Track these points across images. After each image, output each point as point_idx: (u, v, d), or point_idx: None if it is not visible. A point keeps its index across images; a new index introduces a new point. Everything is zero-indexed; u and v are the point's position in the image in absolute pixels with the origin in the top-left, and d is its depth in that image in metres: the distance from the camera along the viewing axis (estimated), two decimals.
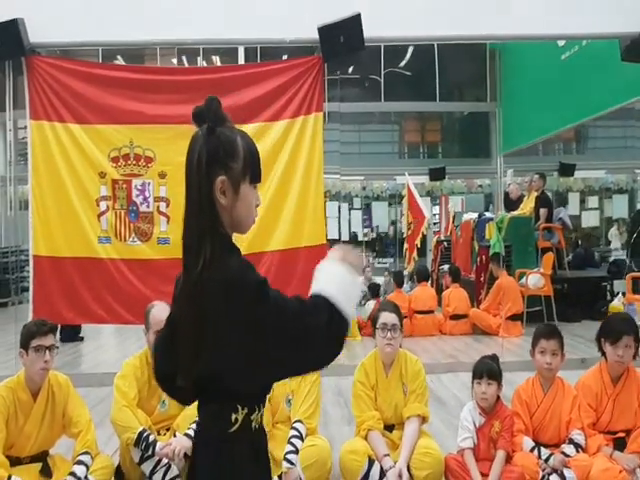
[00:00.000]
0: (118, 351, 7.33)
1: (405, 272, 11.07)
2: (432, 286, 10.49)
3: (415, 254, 11.29)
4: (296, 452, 3.08)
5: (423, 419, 3.29)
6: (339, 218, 13.54)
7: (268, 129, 5.71)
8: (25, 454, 2.99)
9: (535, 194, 9.04)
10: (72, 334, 7.49)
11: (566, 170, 14.49)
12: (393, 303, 3.60)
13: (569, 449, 3.16)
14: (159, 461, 3.03)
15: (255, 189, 1.52)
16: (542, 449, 3.19)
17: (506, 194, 10.60)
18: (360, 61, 14.72)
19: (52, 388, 3.07)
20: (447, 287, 8.38)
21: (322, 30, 5.57)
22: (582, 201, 15.20)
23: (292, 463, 3.04)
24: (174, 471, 3.06)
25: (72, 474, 2.92)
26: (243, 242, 5.59)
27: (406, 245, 11.72)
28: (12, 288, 9.81)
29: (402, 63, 15.71)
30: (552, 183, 14.55)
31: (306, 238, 5.58)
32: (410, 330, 7.84)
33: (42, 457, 3.05)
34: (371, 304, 8.01)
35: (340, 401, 5.12)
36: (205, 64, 15.84)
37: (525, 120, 13.21)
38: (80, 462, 2.98)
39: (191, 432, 3.08)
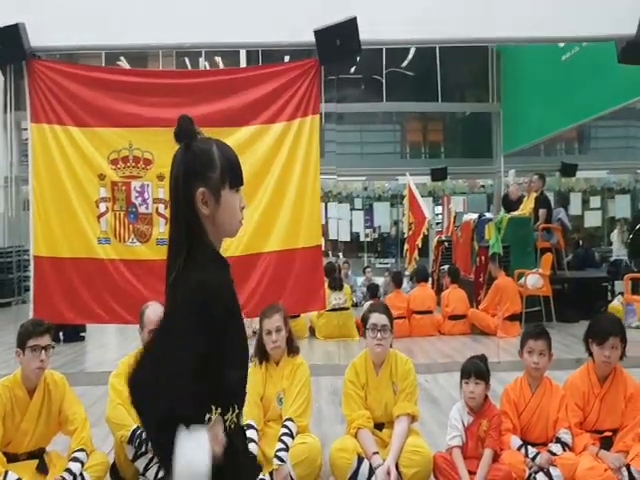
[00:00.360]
0: (119, 350, 7.41)
1: (407, 272, 11.13)
2: (433, 286, 10.54)
3: (416, 254, 11.35)
4: (286, 450, 3.14)
5: (412, 418, 3.35)
6: (336, 219, 13.58)
7: (265, 131, 5.76)
8: (22, 451, 3.06)
9: (534, 195, 9.08)
10: (73, 333, 7.58)
11: (568, 170, 14.51)
12: (383, 304, 3.67)
13: (556, 448, 3.21)
14: (152, 458, 3.09)
15: (238, 192, 1.58)
16: (529, 448, 3.24)
17: (505, 195, 10.64)
18: (361, 62, 14.80)
19: (48, 386, 3.14)
20: (447, 287, 8.42)
21: (318, 33, 5.61)
22: (584, 201, 15.21)
23: (282, 460, 3.11)
24: None
25: (67, 470, 2.99)
26: (241, 243, 5.67)
27: (407, 246, 11.78)
28: (15, 288, 9.90)
29: (404, 63, 15.75)
30: (554, 183, 14.58)
31: (303, 239, 5.63)
32: (409, 330, 7.91)
33: (39, 454, 3.12)
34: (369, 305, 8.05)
35: (335, 400, 5.17)
36: (208, 65, 15.91)
37: (526, 120, 13.25)
38: (75, 459, 3.05)
39: None
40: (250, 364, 3.43)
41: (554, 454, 3.19)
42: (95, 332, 8.21)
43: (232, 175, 1.56)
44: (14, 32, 5.65)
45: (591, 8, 5.90)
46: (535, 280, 8.06)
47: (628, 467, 3.08)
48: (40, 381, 3.11)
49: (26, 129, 6.07)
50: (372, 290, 8.41)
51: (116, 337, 8.47)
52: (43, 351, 3.02)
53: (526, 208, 9.14)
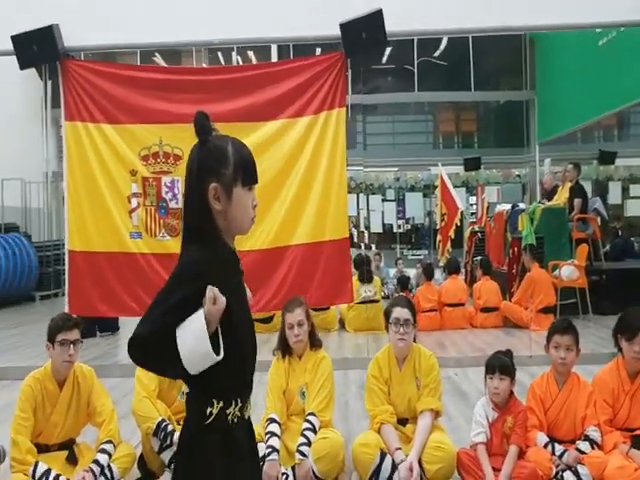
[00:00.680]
0: None
1: (440, 264, 11.02)
2: (466, 278, 10.43)
3: (449, 246, 11.22)
4: (309, 444, 3.16)
5: (436, 413, 3.32)
6: (361, 210, 13.48)
7: (292, 125, 5.78)
8: (53, 442, 3.15)
9: (569, 184, 8.87)
10: (109, 324, 7.61)
11: (606, 158, 14.13)
12: (406, 298, 3.63)
13: (584, 446, 3.15)
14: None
15: (250, 191, 1.61)
16: (556, 445, 3.18)
17: (543, 185, 10.44)
18: (392, 52, 14.66)
19: (77, 379, 3.22)
20: (479, 279, 8.32)
21: (344, 27, 5.60)
22: (624, 189, 14.80)
23: (304, 455, 3.13)
24: None
25: (95, 462, 3.06)
26: (268, 236, 5.71)
27: (439, 237, 11.67)
28: (52, 281, 10.17)
29: (437, 53, 15.55)
30: (592, 172, 14.23)
31: (329, 232, 5.65)
32: (440, 323, 7.84)
33: (69, 445, 3.20)
34: None
35: (363, 394, 5.13)
36: (240, 60, 16.01)
37: (562, 107, 12.94)
38: (103, 450, 3.12)
39: None
40: (273, 358, 3.48)
41: (582, 452, 3.12)
42: (129, 324, 8.36)
43: (245, 173, 1.58)
44: (48, 33, 5.80)
45: None
46: (570, 271, 7.89)
47: None
48: (69, 374, 3.19)
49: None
50: (402, 282, 8.36)
51: None
52: (72, 345, 3.10)
53: (561, 198, 8.94)
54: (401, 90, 15.18)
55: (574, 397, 3.26)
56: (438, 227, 11.78)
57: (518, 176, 14.96)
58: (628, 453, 3.09)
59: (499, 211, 10.03)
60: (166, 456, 3.17)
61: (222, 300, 1.49)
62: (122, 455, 3.15)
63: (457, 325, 7.80)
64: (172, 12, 5.63)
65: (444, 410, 4.68)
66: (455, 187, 13.36)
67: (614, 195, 14.36)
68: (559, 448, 3.16)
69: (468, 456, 3.18)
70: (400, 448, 3.16)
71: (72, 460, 3.15)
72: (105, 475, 3.05)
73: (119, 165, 5.85)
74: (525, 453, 3.17)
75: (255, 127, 5.81)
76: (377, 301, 7.85)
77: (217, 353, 1.47)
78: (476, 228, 11.10)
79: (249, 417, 1.67)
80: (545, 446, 3.18)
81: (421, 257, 14.59)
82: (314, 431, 3.21)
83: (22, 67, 5.80)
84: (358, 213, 12.84)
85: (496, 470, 3.11)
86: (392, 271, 11.87)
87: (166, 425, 3.17)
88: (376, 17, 5.60)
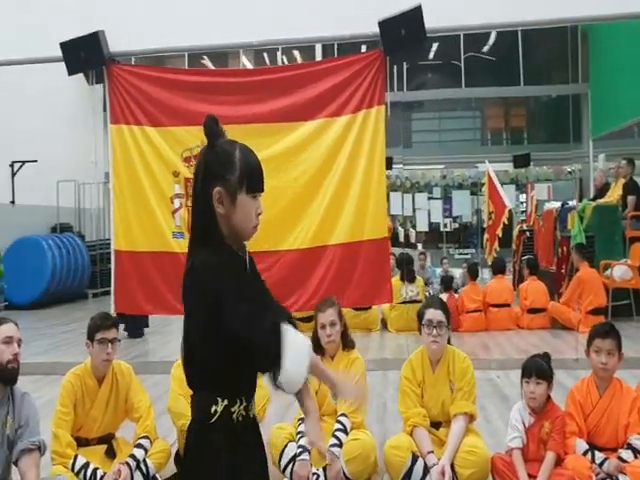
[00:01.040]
0: None
1: (488, 263, 10.81)
2: (514, 278, 10.21)
3: (497, 245, 10.99)
4: (340, 445, 3.16)
5: (471, 417, 3.27)
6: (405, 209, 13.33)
7: (331, 124, 5.78)
8: (92, 436, 3.25)
9: (622, 181, 8.56)
10: (135, 328, 7.45)
11: None
12: (439, 299, 3.59)
13: (626, 454, 3.03)
14: None
15: (255, 199, 1.62)
16: (597, 453, 3.07)
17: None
18: (439, 48, 14.46)
19: (116, 376, 3.31)
20: (526, 279, 8.12)
21: (383, 24, 5.56)
22: None
23: (335, 456, 3.13)
24: None
25: (132, 456, 3.14)
26: (307, 236, 5.73)
27: (486, 235, 11.44)
28: (98, 279, 10.48)
29: (485, 48, 15.26)
30: None
31: (368, 231, 5.62)
32: (485, 324, 7.69)
33: (108, 439, 3.30)
34: (443, 297, 7.88)
35: None
36: (286, 60, 16.13)
37: (618, 101, 12.50)
38: (140, 445, 3.20)
39: None
40: None
41: (624, 461, 3.00)
42: (177, 321, 8.53)
43: (250, 180, 1.59)
44: (94, 39, 5.98)
45: None
46: (623, 272, 7.62)
47: None
48: (108, 371, 3.28)
49: None
50: (446, 282, 8.23)
51: None
52: (110, 344, 3.19)
53: (613, 195, 8.64)
54: (448, 86, 14.97)
55: (616, 403, 3.14)
56: (485, 225, 11.56)
57: (570, 172, 14.51)
58: None
59: (548, 209, 9.77)
60: None
61: None
62: (158, 451, 3.22)
63: (503, 326, 7.64)
64: (211, 15, 5.73)
65: (483, 413, 4.63)
66: (504, 185, 13.10)
67: None
68: (599, 456, 3.05)
69: (503, 461, 3.11)
70: (432, 451, 3.12)
71: (110, 454, 3.25)
72: (141, 470, 3.13)
73: (162, 167, 5.98)
74: (563, 460, 3.07)
75: (294, 127, 5.84)
76: (420, 301, 7.75)
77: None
78: (524, 227, 10.84)
79: (254, 416, 1.68)
80: (585, 453, 3.08)
81: (468, 256, 14.35)
82: (345, 432, 3.21)
83: (70, 73, 6.00)
84: (402, 212, 12.74)
85: (532, 477, 3.04)
86: (438, 271, 11.73)
87: None
88: (415, 13, 5.54)
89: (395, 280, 8.04)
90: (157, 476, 3.21)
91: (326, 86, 5.86)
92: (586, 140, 13.99)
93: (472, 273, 7.98)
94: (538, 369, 3.14)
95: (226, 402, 1.57)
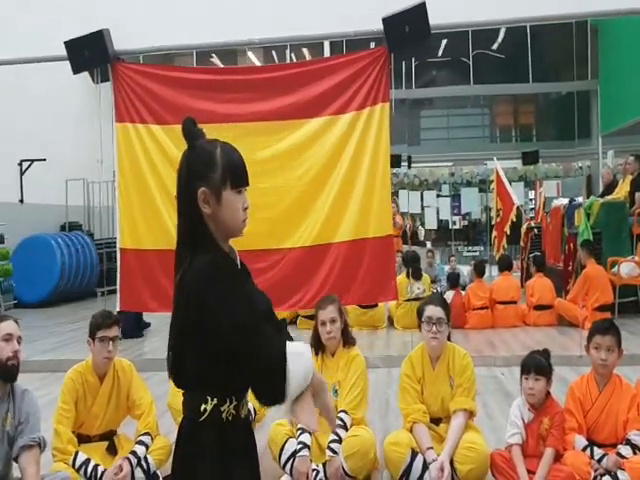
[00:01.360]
0: None
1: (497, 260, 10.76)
2: (522, 275, 10.16)
3: (504, 242, 10.97)
4: (339, 442, 3.17)
5: (470, 413, 3.26)
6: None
7: (335, 122, 5.76)
8: (94, 433, 3.28)
9: (630, 177, 8.49)
10: (134, 330, 7.54)
11: None
12: (439, 296, 3.60)
13: (625, 450, 3.02)
14: None
15: (240, 194, 1.62)
16: (595, 449, 3.06)
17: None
18: (447, 45, 14.40)
19: (117, 373, 3.34)
20: (533, 276, 8.09)
21: (386, 21, 5.54)
22: None
23: (335, 452, 3.14)
24: None
25: (133, 453, 3.17)
26: (311, 234, 5.73)
27: (495, 232, 11.42)
28: (104, 278, 10.52)
29: (494, 45, 15.18)
30: None
31: (373, 229, 5.60)
32: (492, 321, 7.68)
33: (109, 436, 3.33)
34: (450, 295, 7.88)
35: None
36: (294, 57, 16.13)
37: (627, 97, 12.41)
38: (141, 442, 3.23)
39: None
40: None
41: (623, 457, 3.00)
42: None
43: (233, 176, 1.59)
44: (99, 38, 6.00)
45: None
46: (630, 268, 7.57)
47: None
48: (109, 368, 3.31)
49: None
50: (452, 279, 8.22)
51: None
52: (110, 342, 3.21)
53: (621, 192, 8.58)
54: (456, 83, 14.91)
55: (616, 399, 3.13)
56: (493, 223, 11.53)
57: (580, 168, 14.40)
58: None
59: (556, 206, 9.70)
60: None
61: None
62: (158, 447, 3.25)
63: (509, 323, 7.62)
64: (214, 14, 5.74)
65: (486, 409, 4.63)
66: (513, 182, 13.06)
67: None
68: (598, 452, 3.04)
69: (502, 457, 3.11)
70: (432, 447, 3.12)
71: (112, 450, 3.28)
72: (141, 466, 3.16)
73: (167, 165, 5.99)
74: (562, 456, 3.07)
75: (299, 125, 5.83)
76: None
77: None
78: (532, 224, 10.78)
79: (246, 415, 1.67)
80: (584, 449, 3.08)
81: (477, 254, 14.31)
82: (345, 428, 3.22)
83: (75, 71, 6.02)
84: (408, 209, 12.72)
85: (531, 472, 3.04)
86: (446, 268, 11.70)
87: None
88: (419, 10, 5.51)
89: (401, 277, 8.03)
90: (158, 472, 3.23)
91: (330, 83, 5.84)
92: (595, 137, 13.89)
93: (478, 270, 7.96)
94: (537, 365, 3.13)
95: (215, 401, 1.57)
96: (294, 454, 3.16)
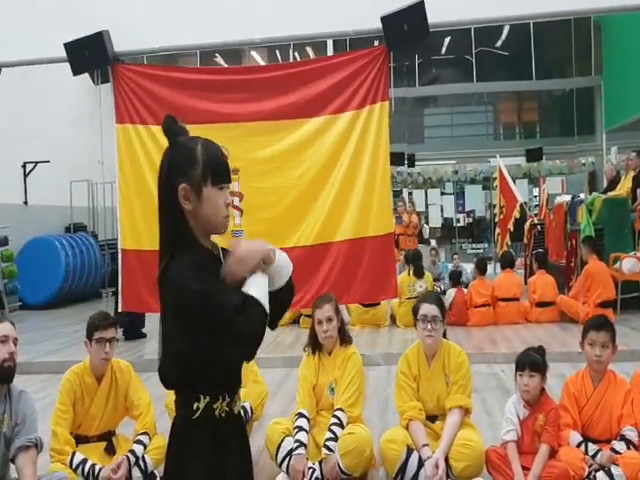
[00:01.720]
0: None
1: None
2: (525, 272, 10.14)
3: (508, 239, 10.96)
4: (335, 439, 3.18)
5: (466, 411, 3.27)
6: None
7: (335, 121, 5.76)
8: (92, 433, 3.30)
9: (632, 173, 8.47)
10: (133, 331, 7.48)
11: None
12: (435, 294, 3.59)
13: (619, 446, 3.03)
14: None
15: (222, 190, 1.63)
16: (590, 445, 3.07)
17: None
18: (450, 43, 14.37)
19: (115, 374, 3.36)
20: (535, 273, 8.08)
21: (385, 20, 5.53)
22: None
23: (331, 450, 3.16)
24: None
25: (131, 452, 3.19)
26: (312, 233, 5.74)
27: (498, 230, 11.40)
28: (106, 279, 10.57)
29: (498, 43, 15.14)
30: None
31: (373, 227, 5.60)
32: (494, 318, 7.67)
33: (107, 436, 3.34)
34: (452, 292, 7.88)
35: None
36: (298, 56, 16.14)
37: (631, 93, 12.35)
38: (139, 442, 3.25)
39: None
40: (301, 354, 3.52)
41: (617, 452, 3.00)
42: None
43: (214, 172, 1.60)
44: (98, 39, 6.02)
45: None
46: (632, 264, 7.55)
47: None
48: (107, 369, 3.33)
49: None
50: (454, 277, 8.21)
51: None
52: (107, 343, 3.23)
53: (624, 188, 8.55)
54: (460, 81, 14.88)
55: (610, 395, 3.14)
56: (497, 220, 11.51)
57: (584, 164, 14.34)
58: None
59: (559, 203, 9.68)
60: None
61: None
62: (156, 447, 3.26)
63: (511, 320, 7.61)
64: (214, 14, 5.75)
65: (485, 406, 4.63)
66: (517, 179, 13.03)
67: None
68: (593, 448, 3.05)
69: (497, 454, 3.12)
70: (427, 445, 3.14)
71: (110, 450, 3.30)
72: (139, 465, 3.18)
73: None
74: (557, 452, 3.07)
75: (298, 124, 5.84)
76: None
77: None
78: (535, 221, 10.75)
79: (239, 412, 1.69)
80: (578, 445, 3.09)
81: (481, 251, 14.27)
82: (341, 426, 3.23)
83: (75, 73, 6.04)
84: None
85: (526, 469, 3.04)
86: (450, 266, 11.69)
87: None
88: (418, 8, 5.50)
89: (403, 276, 8.05)
90: (155, 472, 3.25)
91: (330, 83, 5.84)
92: (600, 133, 13.84)
93: (480, 268, 7.96)
94: (531, 362, 3.14)
95: (208, 399, 1.59)
96: (290, 452, 3.18)
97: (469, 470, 3.06)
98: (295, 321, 7.62)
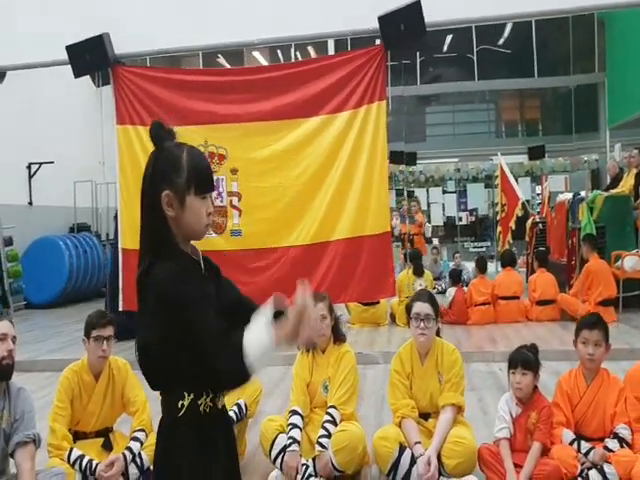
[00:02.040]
0: None
1: None
2: (527, 270, 10.13)
3: (509, 237, 10.95)
4: (328, 436, 3.21)
5: (459, 409, 3.29)
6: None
7: (332, 121, 5.80)
8: (89, 430, 3.34)
9: (635, 171, 8.45)
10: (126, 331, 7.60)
11: None
12: (428, 292, 3.62)
13: (612, 444, 3.04)
14: None
15: (204, 200, 1.64)
16: (583, 443, 3.09)
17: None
18: (452, 41, 14.36)
19: (112, 371, 3.40)
20: (536, 271, 8.08)
21: (382, 19, 5.57)
22: None
23: (324, 447, 3.19)
24: None
25: (128, 449, 3.23)
26: (309, 232, 5.78)
27: (499, 228, 11.40)
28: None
29: (500, 41, 15.11)
30: None
31: (370, 226, 5.64)
32: (494, 317, 7.68)
33: (105, 433, 3.39)
34: (452, 291, 7.90)
35: None
36: (299, 56, 16.17)
37: (635, 89, 12.31)
38: (135, 439, 3.29)
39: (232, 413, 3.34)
40: (297, 352, 3.55)
41: (610, 450, 3.02)
42: None
43: (198, 181, 1.62)
44: (99, 42, 6.09)
45: None
46: (634, 262, 7.51)
47: None
48: (105, 366, 3.38)
49: None
50: (454, 276, 8.23)
51: None
52: (105, 341, 3.27)
53: (626, 185, 8.54)
54: (461, 79, 14.87)
55: (603, 393, 3.15)
56: (498, 218, 11.51)
57: (586, 162, 14.30)
58: None
59: (561, 200, 9.66)
60: None
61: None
62: (152, 443, 3.22)
63: (512, 318, 7.62)
64: (212, 16, 5.79)
65: (481, 404, 4.65)
66: (519, 177, 13.01)
67: None
68: (585, 445, 3.07)
69: (489, 451, 3.14)
70: (420, 442, 3.16)
71: (108, 447, 3.34)
72: (136, 462, 3.22)
73: None
74: (549, 450, 3.09)
75: (297, 124, 5.88)
76: None
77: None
78: (537, 219, 10.75)
79: (224, 406, 1.72)
80: (571, 443, 3.10)
81: (483, 249, 14.27)
82: (334, 424, 3.26)
83: (76, 75, 6.11)
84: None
85: (519, 467, 3.06)
86: (451, 264, 11.70)
87: None
88: (414, 8, 5.54)
89: (403, 274, 8.08)
90: (151, 469, 3.28)
91: (327, 82, 5.87)
92: (603, 130, 13.80)
93: (480, 266, 7.97)
94: (524, 360, 3.16)
95: (192, 396, 1.61)
96: (284, 449, 3.21)
97: (461, 467, 3.08)
98: None
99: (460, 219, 14.80)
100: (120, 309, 5.92)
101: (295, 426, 3.27)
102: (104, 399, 3.37)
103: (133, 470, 3.19)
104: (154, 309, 1.57)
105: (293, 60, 15.40)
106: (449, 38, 15.12)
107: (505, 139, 15.64)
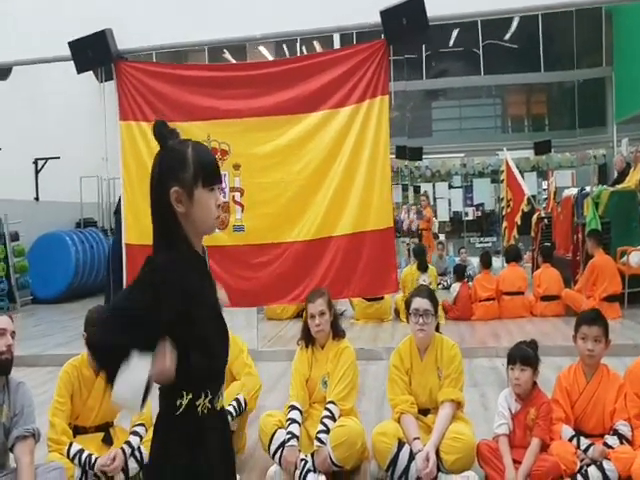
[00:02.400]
0: None
1: None
2: (533, 265, 10.10)
3: (515, 232, 10.91)
4: (327, 432, 3.21)
5: (458, 404, 3.29)
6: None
7: (334, 116, 5.77)
8: (89, 424, 3.36)
9: None
10: None
11: None
12: (427, 288, 3.61)
13: (612, 440, 3.03)
14: None
15: (212, 192, 1.66)
16: (582, 439, 3.08)
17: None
18: (458, 35, 14.28)
19: None
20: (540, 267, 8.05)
21: (384, 14, 5.53)
22: None
23: (322, 442, 3.19)
24: None
25: (127, 443, 3.25)
26: (312, 228, 5.76)
27: (505, 223, 11.36)
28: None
29: (507, 36, 15.02)
30: None
31: (373, 222, 5.61)
32: (498, 312, 7.67)
33: (105, 427, 3.40)
34: (456, 286, 7.88)
35: None
36: (305, 50, 16.14)
37: None
38: (135, 433, 3.30)
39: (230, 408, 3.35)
40: (297, 347, 3.55)
41: (610, 447, 3.00)
42: None
43: (205, 175, 1.63)
44: (101, 38, 6.07)
45: None
46: (639, 258, 7.48)
47: None
48: None
49: None
50: (458, 271, 8.20)
51: None
52: None
53: (632, 180, 8.47)
54: (467, 74, 14.80)
55: (603, 389, 3.13)
56: (504, 213, 11.47)
57: (594, 157, 14.20)
58: None
59: (566, 196, 9.61)
60: None
61: (171, 360, 1.52)
62: (149, 439, 3.30)
63: (516, 314, 7.61)
64: (214, 11, 5.77)
65: (483, 400, 4.64)
66: (525, 172, 12.94)
67: None
68: (585, 442, 3.05)
69: (488, 447, 3.13)
70: (418, 438, 3.16)
71: (108, 441, 3.35)
72: (135, 456, 3.23)
73: None
74: (549, 446, 3.08)
75: (299, 119, 5.85)
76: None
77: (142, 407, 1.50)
78: (543, 214, 10.70)
79: (222, 408, 1.72)
80: (570, 439, 3.09)
81: (489, 245, 14.21)
82: (333, 419, 3.26)
83: (79, 71, 6.10)
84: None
85: (518, 462, 3.06)
86: (457, 260, 11.66)
87: None
88: (417, 2, 5.49)
89: (408, 270, 8.07)
90: None
91: (330, 77, 5.84)
92: (610, 124, 13.69)
93: (485, 262, 7.95)
94: (522, 356, 3.15)
95: (191, 396, 1.61)
96: (283, 444, 3.22)
97: (460, 463, 3.08)
98: (299, 315, 7.66)
99: (466, 214, 14.75)
100: None
101: (294, 421, 3.27)
102: (104, 394, 3.36)
103: (133, 465, 3.20)
104: (145, 289, 1.57)
105: (299, 54, 15.38)
106: (455, 33, 15.04)
107: (511, 134, 15.55)
